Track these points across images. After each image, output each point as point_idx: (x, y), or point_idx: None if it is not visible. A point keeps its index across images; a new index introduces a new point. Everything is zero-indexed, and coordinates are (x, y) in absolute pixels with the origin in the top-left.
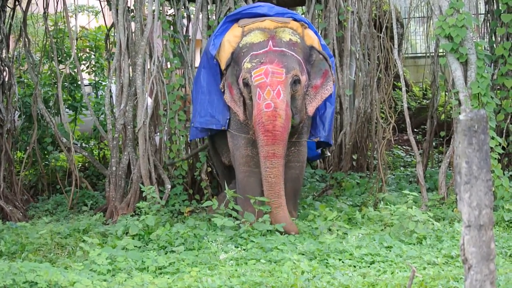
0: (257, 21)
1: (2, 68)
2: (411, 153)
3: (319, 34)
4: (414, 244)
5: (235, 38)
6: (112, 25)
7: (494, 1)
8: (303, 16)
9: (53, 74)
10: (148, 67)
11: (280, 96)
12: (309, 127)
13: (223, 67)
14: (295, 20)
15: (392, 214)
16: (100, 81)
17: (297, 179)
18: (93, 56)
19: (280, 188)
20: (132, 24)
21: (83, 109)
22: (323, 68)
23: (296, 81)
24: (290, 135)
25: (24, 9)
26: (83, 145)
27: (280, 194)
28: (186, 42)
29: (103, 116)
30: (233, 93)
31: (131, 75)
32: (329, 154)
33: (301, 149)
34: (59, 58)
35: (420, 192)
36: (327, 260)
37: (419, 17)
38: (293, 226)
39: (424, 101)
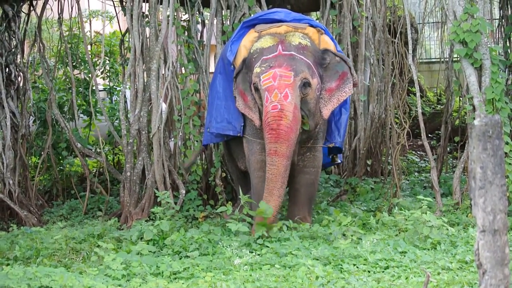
0: (274, 27)
1: (17, 73)
2: (425, 159)
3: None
4: (428, 249)
5: (251, 43)
6: (127, 30)
7: (509, 6)
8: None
9: (67, 79)
10: (163, 72)
11: (287, 98)
12: (325, 132)
13: None
14: (311, 26)
15: (406, 219)
16: (114, 87)
17: (312, 185)
18: (107, 62)
19: (274, 187)
20: (147, 29)
21: (97, 114)
22: (340, 71)
23: (305, 84)
24: (305, 141)
25: (38, 14)
26: (98, 150)
27: (272, 193)
28: (201, 48)
29: (117, 121)
30: (247, 100)
31: (145, 81)
32: (339, 161)
33: (316, 155)
34: (74, 64)
35: (434, 198)
36: (342, 265)
37: (433, 22)
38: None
39: (439, 106)
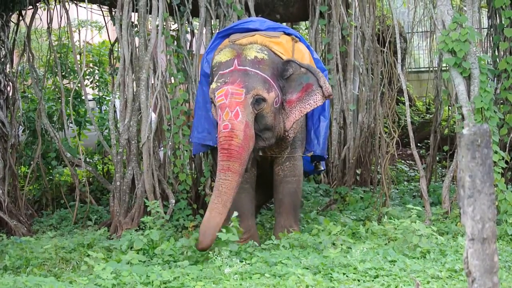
0: (248, 36)
1: (6, 83)
2: (414, 168)
3: (323, 48)
4: (418, 258)
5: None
6: (116, 40)
7: (497, 16)
8: (304, 30)
9: (57, 89)
10: (152, 82)
11: (238, 117)
12: (303, 141)
13: None
14: (286, 34)
15: (396, 228)
16: (104, 96)
17: (295, 193)
18: (97, 71)
19: (227, 200)
20: (136, 39)
21: (87, 124)
22: (304, 82)
23: (258, 100)
24: (282, 150)
25: (28, 24)
26: (87, 160)
27: (225, 205)
28: (190, 57)
29: (107, 131)
30: None
31: (135, 90)
32: (322, 168)
33: (296, 163)
34: (63, 73)
35: (423, 207)
36: (331, 274)
37: (422, 32)
38: (206, 240)
39: (428, 115)
